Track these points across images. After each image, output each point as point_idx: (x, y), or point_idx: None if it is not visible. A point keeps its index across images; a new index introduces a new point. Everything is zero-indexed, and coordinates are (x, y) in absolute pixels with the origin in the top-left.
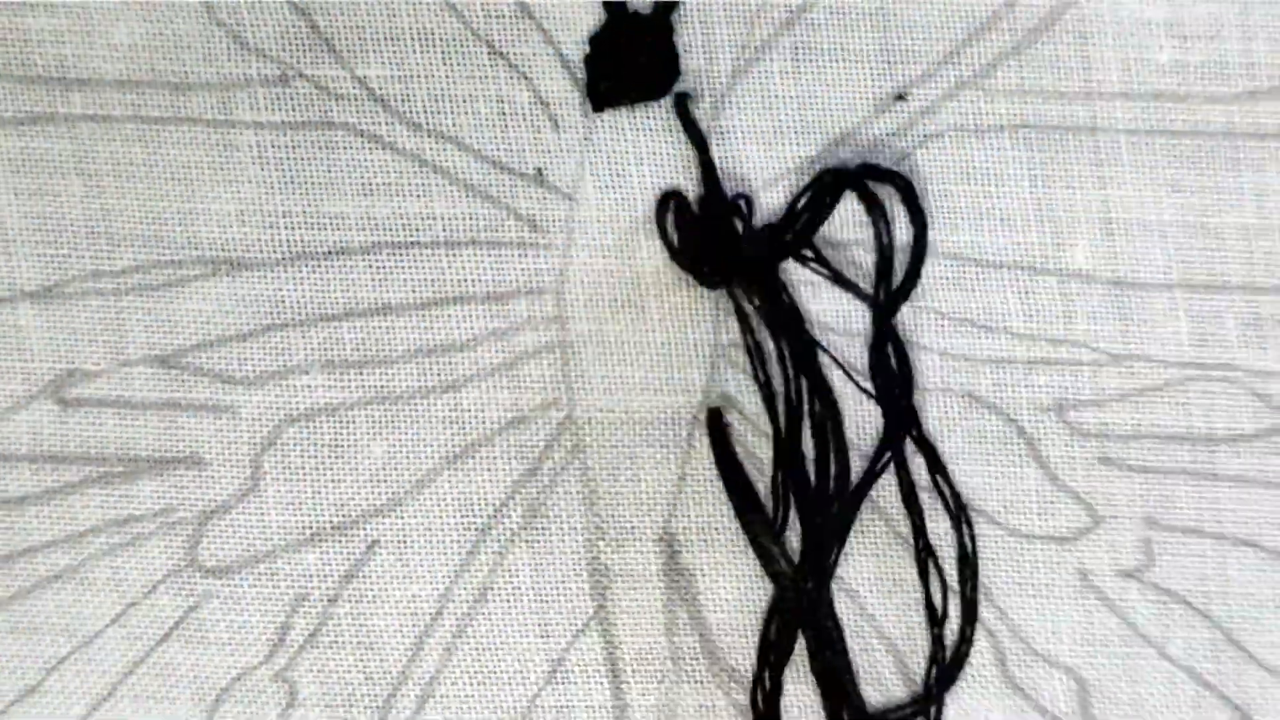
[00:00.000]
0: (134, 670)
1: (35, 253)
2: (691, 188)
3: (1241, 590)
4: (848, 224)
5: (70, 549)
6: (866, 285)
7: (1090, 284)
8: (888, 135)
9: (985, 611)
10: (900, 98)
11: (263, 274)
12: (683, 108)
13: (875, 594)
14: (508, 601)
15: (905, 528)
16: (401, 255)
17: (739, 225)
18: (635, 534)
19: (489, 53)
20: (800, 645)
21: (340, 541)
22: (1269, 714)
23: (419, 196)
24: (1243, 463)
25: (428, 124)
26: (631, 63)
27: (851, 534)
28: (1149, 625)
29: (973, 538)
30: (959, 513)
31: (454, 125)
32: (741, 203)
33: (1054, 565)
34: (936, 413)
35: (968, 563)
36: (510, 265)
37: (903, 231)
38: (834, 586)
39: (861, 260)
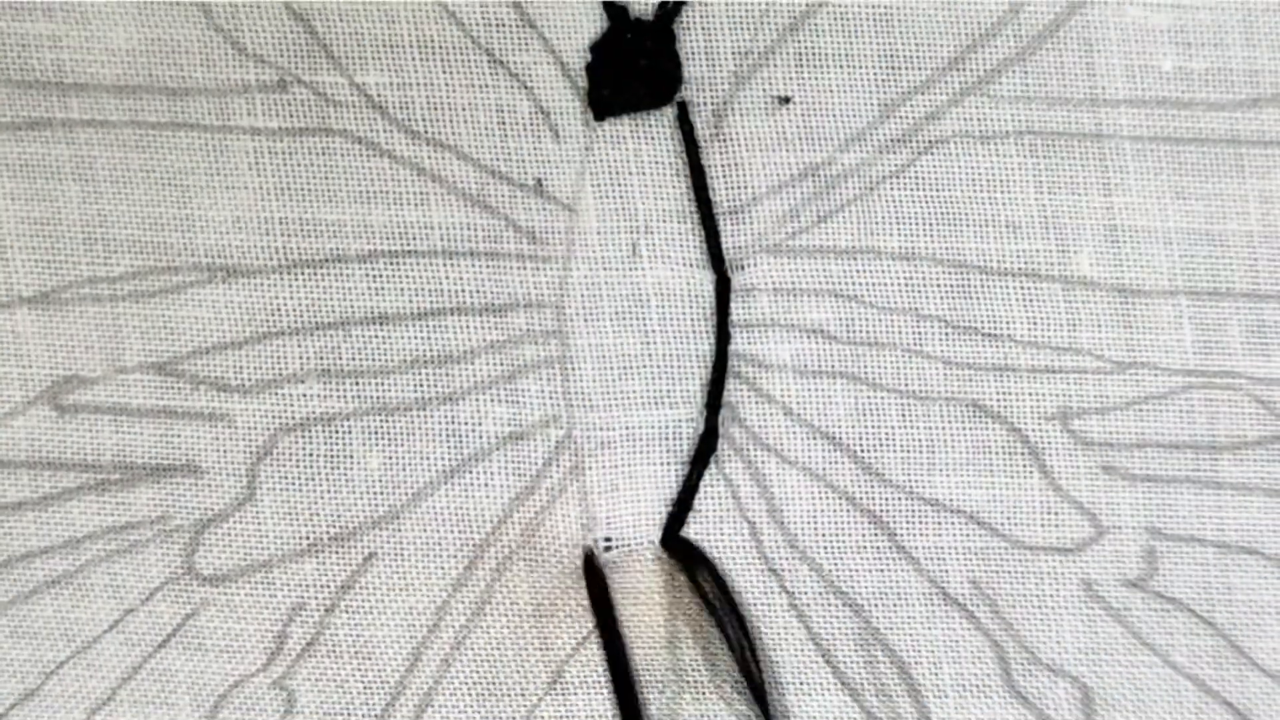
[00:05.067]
0: (132, 676)
1: (32, 258)
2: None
3: (1244, 598)
4: None
5: (68, 555)
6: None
7: (1094, 291)
8: (892, 141)
9: (990, 622)
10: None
11: (259, 281)
12: (684, 117)
13: (879, 608)
14: (506, 615)
15: (909, 540)
16: (399, 264)
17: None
18: (635, 553)
19: (489, 61)
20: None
21: (337, 552)
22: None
23: (417, 205)
24: (1245, 470)
25: (426, 132)
26: (633, 70)
27: (853, 546)
28: (1153, 634)
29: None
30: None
31: (453, 133)
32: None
33: (1058, 576)
34: (940, 421)
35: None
36: (509, 277)
37: None
38: (838, 602)
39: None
